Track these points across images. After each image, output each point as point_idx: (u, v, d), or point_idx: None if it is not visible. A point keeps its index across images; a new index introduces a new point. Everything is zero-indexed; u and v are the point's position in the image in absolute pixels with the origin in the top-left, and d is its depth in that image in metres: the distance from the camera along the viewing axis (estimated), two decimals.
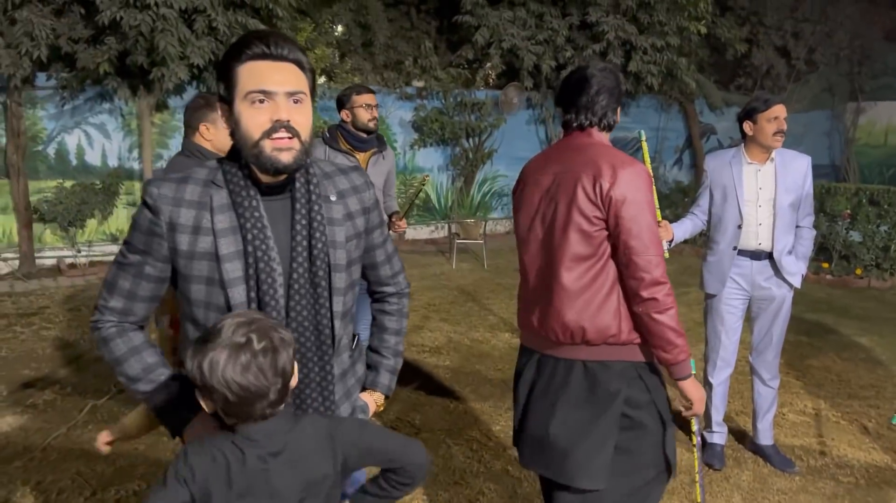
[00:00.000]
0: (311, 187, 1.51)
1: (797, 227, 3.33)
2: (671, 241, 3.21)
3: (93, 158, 7.96)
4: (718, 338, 3.44)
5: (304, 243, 1.49)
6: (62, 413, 3.83)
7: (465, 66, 10.23)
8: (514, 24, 9.66)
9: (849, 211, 7.99)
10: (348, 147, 3.66)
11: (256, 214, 1.45)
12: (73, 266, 7.66)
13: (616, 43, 9.58)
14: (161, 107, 8.12)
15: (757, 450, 3.50)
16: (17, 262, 7.49)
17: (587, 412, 2.00)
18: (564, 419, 2.03)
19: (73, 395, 4.08)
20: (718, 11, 11.14)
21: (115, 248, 8.03)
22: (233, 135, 1.47)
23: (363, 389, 1.75)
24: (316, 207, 1.50)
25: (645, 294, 1.92)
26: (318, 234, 1.49)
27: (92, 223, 7.91)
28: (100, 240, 8.03)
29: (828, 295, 6.87)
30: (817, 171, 14.03)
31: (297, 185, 1.50)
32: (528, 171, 2.23)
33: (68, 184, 7.66)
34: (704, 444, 3.50)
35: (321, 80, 9.14)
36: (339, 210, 1.56)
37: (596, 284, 1.99)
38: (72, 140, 7.84)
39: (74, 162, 7.88)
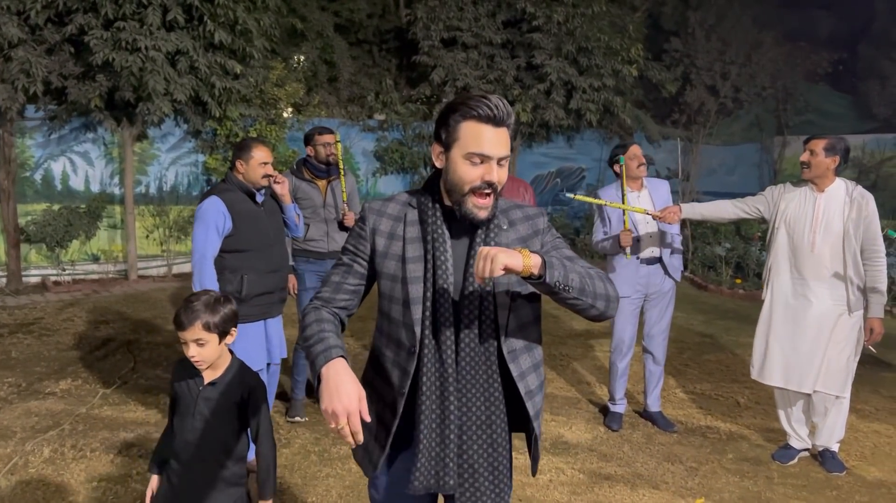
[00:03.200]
0: (491, 218, 1.74)
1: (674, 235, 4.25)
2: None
3: (77, 184, 8.60)
4: (625, 330, 4.30)
5: None
6: (79, 398, 4.54)
7: (423, 101, 11.12)
8: (466, 65, 10.63)
9: (759, 234, 9.07)
10: (311, 175, 4.46)
11: (439, 231, 1.72)
12: (57, 283, 8.27)
13: (558, 83, 10.61)
14: (142, 137, 8.82)
15: (647, 416, 4.40)
16: (3, 280, 8.09)
17: None
18: None
19: (85, 385, 4.78)
20: (651, 56, 12.29)
21: (97, 268, 8.68)
22: (440, 171, 1.75)
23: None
24: (492, 234, 1.73)
25: None
26: None
27: (76, 244, 8.54)
28: (82, 259, 8.64)
29: (737, 306, 7.87)
30: None
31: None
32: None
33: (56, 207, 8.31)
34: (607, 413, 4.38)
35: (289, 112, 9.95)
36: (509, 235, 1.77)
37: None
38: (57, 167, 8.48)
39: (59, 187, 8.52)
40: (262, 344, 3.54)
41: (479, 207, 1.67)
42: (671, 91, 12.63)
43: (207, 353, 2.22)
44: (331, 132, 4.48)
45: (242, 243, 3.43)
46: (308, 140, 4.48)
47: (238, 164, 3.51)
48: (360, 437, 1.53)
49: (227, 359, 2.32)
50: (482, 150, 1.65)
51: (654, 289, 4.26)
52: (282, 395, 4.64)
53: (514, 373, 1.73)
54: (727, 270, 9.32)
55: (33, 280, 8.26)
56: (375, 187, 10.92)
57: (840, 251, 3.62)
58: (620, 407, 4.37)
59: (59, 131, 8.34)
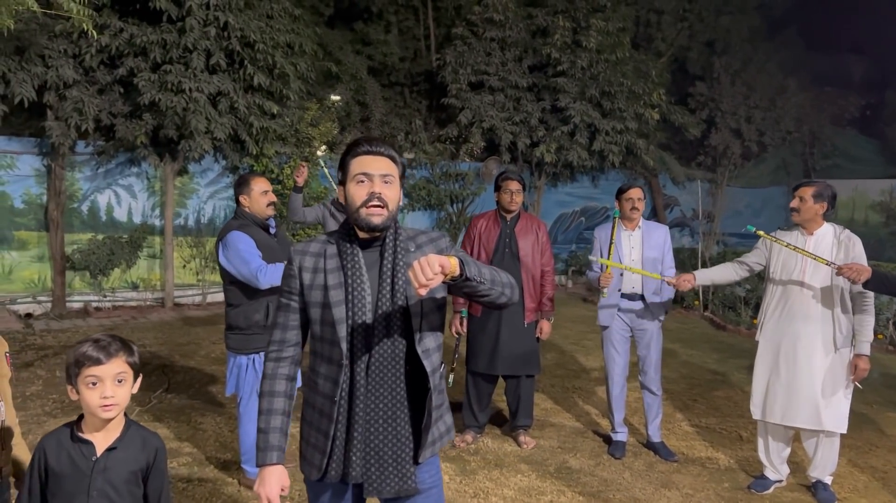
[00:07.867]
0: (397, 243, 2.04)
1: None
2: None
3: (120, 215, 9.10)
4: (613, 359, 4.55)
5: (389, 280, 2.01)
6: None
7: (451, 141, 11.53)
8: (493, 107, 11.03)
9: None
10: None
11: (355, 259, 2.02)
12: (98, 309, 8.71)
13: (582, 125, 10.95)
14: (182, 172, 9.32)
15: (649, 445, 4.57)
16: (49, 305, 8.56)
17: None
18: None
19: None
20: (676, 99, 12.57)
21: (136, 295, 9.13)
22: (345, 207, 2.06)
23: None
24: (400, 255, 2.03)
25: None
26: (399, 273, 2.01)
27: (117, 272, 9.00)
28: (122, 287, 9.10)
29: (754, 346, 7.93)
30: None
31: (387, 241, 2.04)
32: None
33: (100, 237, 8.80)
34: (611, 442, 4.57)
35: (322, 150, 10.39)
36: (416, 256, 2.02)
37: None
38: (103, 199, 9.00)
39: (104, 218, 9.02)
40: None
41: (372, 214, 1.99)
42: (695, 134, 12.87)
43: (124, 396, 1.93)
44: None
45: None
46: None
47: (242, 199, 3.72)
48: None
49: (122, 418, 2.00)
50: (364, 169, 2.00)
51: (637, 325, 4.50)
52: None
53: (428, 369, 2.03)
54: (746, 311, 9.42)
55: (76, 305, 8.71)
56: (403, 222, 11.22)
57: (829, 291, 3.81)
58: (622, 435, 4.56)
59: (106, 165, 8.88)
